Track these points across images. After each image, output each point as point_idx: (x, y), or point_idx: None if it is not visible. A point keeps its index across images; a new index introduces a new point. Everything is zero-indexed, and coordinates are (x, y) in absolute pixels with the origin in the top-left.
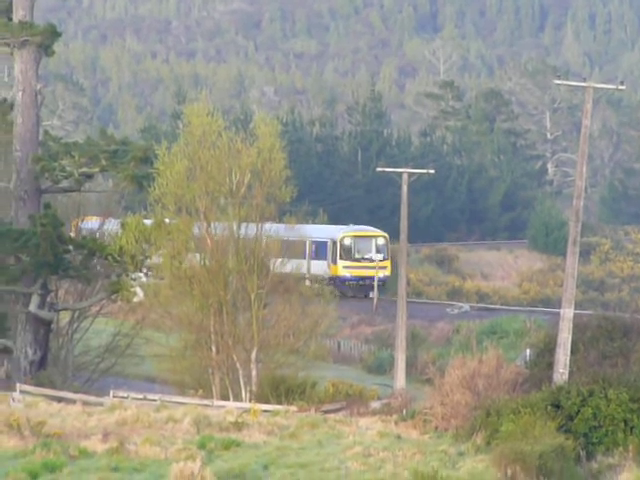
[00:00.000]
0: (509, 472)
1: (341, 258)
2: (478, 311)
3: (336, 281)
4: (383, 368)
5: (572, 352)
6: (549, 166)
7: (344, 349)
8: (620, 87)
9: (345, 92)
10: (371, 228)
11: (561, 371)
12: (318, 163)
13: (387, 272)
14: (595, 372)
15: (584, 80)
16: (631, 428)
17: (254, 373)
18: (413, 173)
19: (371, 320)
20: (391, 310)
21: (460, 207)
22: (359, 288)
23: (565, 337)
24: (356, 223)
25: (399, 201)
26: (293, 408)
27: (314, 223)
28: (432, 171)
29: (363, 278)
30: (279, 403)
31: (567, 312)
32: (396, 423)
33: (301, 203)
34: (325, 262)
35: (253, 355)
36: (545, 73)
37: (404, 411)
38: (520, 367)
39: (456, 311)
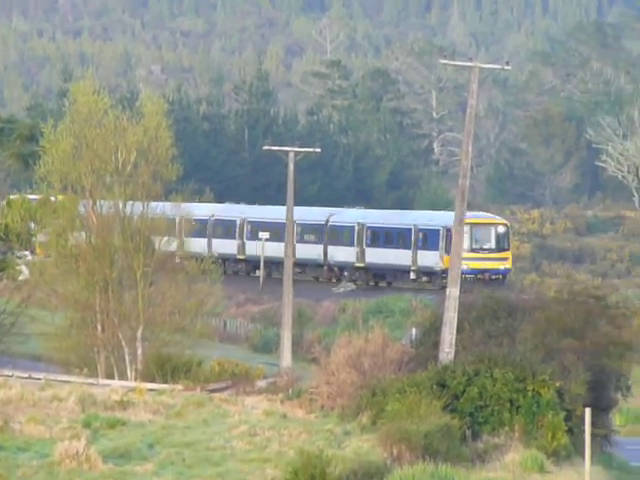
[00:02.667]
0: (395, 451)
1: None
2: (364, 290)
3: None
4: (269, 347)
5: (458, 331)
6: (435, 145)
7: (230, 328)
8: (506, 67)
9: (232, 71)
10: (490, 215)
11: (447, 350)
12: (205, 142)
13: (508, 264)
14: (481, 351)
15: (470, 60)
16: (517, 408)
17: (140, 351)
18: (299, 152)
19: (257, 299)
20: (277, 289)
21: (346, 186)
22: (477, 282)
23: (451, 316)
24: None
25: (286, 179)
26: (179, 387)
27: (200, 202)
28: (318, 150)
29: (482, 271)
30: (165, 382)
31: (453, 291)
32: (282, 402)
33: (187, 182)
34: (436, 253)
35: (139, 333)
36: (431, 53)
37: (290, 390)
38: (406, 346)
39: (342, 290)
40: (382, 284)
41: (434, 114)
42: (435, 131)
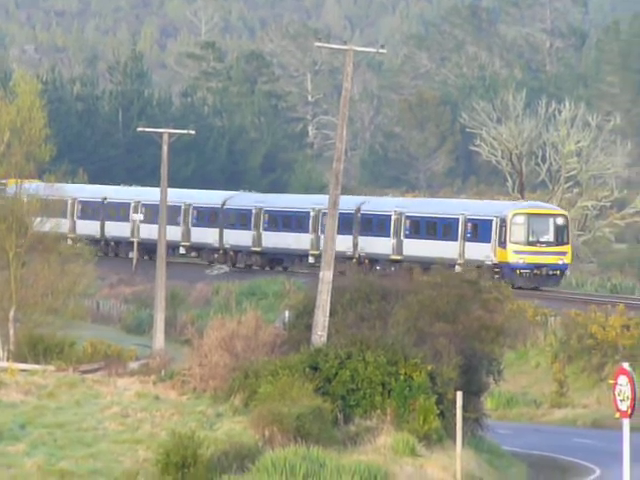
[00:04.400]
0: (267, 433)
1: (512, 241)
2: (238, 272)
3: (504, 269)
4: (142, 328)
5: (331, 314)
6: (310, 128)
7: (103, 309)
8: (381, 50)
9: (106, 51)
10: (548, 205)
11: (319, 333)
12: (78, 122)
13: (567, 259)
14: (353, 335)
15: (345, 43)
16: (389, 391)
17: (12, 332)
18: (173, 133)
19: (130, 280)
20: (150, 270)
21: (220, 168)
22: (532, 278)
23: (324, 299)
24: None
25: (159, 161)
26: (51, 368)
27: (74, 182)
28: (192, 132)
29: (539, 266)
30: (37, 362)
31: (326, 274)
32: (154, 384)
33: (61, 162)
34: (487, 245)
35: (11, 314)
36: (306, 36)
37: (162, 372)
38: (279, 329)
39: (215, 272)
40: None
41: (309, 97)
42: (310, 114)
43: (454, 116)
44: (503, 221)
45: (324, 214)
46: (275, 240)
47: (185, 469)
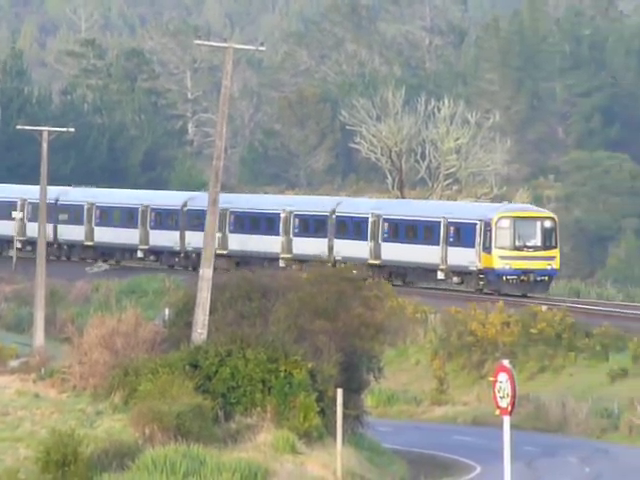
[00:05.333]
0: (147, 431)
1: (497, 245)
2: (118, 270)
3: (489, 275)
4: (22, 326)
5: (211, 312)
6: (190, 126)
7: None
8: (260, 48)
9: None
10: (534, 207)
11: (199, 331)
12: None
13: (556, 265)
14: (234, 332)
15: (224, 41)
16: (269, 388)
17: None
18: (53, 131)
19: (11, 278)
20: (31, 269)
21: (101, 166)
22: (519, 284)
23: (204, 297)
24: None
25: (39, 159)
26: None
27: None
28: (72, 130)
29: (526, 272)
30: None
31: (206, 272)
32: (34, 382)
33: None
34: (471, 250)
35: None
36: (186, 33)
37: (42, 370)
38: (159, 326)
39: (95, 270)
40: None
41: (189, 95)
42: (190, 112)
43: (334, 113)
44: (488, 225)
45: (297, 216)
46: (243, 243)
47: (65, 467)
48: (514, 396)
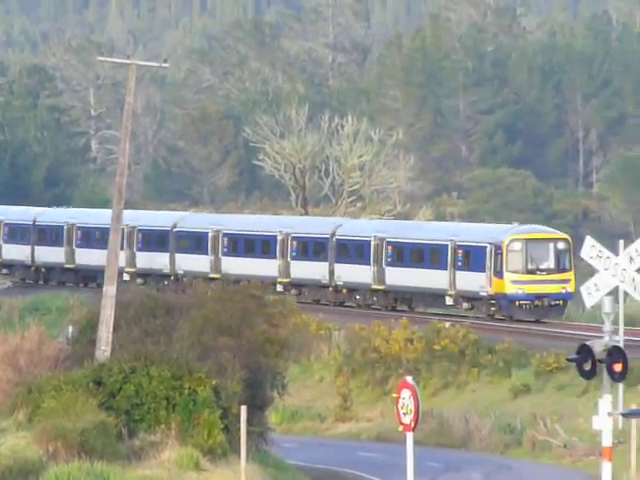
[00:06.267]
0: (50, 449)
1: (509, 269)
2: (21, 287)
3: (501, 300)
4: None
5: (115, 329)
6: (93, 143)
7: None
8: (164, 65)
9: None
10: (547, 228)
11: (103, 348)
12: None
13: (570, 288)
14: (138, 349)
15: (127, 57)
16: (173, 405)
17: None
18: None
19: None
20: None
21: (3, 182)
22: (533, 310)
23: (108, 314)
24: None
25: None
26: None
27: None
28: None
29: (539, 296)
30: None
31: (110, 289)
32: None
33: None
34: (481, 275)
35: None
36: (89, 50)
37: None
38: (62, 344)
39: None
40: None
41: (92, 111)
42: (93, 129)
43: (237, 130)
44: (498, 248)
45: (294, 238)
46: (237, 266)
47: None
48: (417, 412)
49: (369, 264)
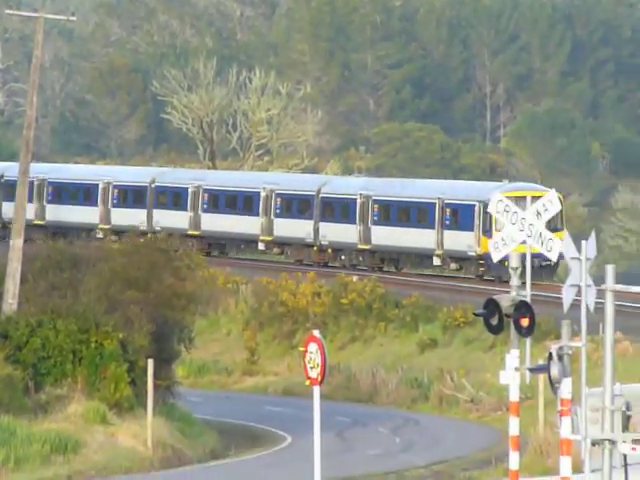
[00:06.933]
0: None
1: (497, 229)
2: None
3: (489, 261)
4: None
5: (22, 282)
6: (0, 96)
7: None
8: (71, 18)
9: None
10: (537, 186)
11: (10, 301)
12: None
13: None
14: (44, 303)
15: (35, 10)
16: (80, 359)
17: None
18: None
19: None
20: None
21: None
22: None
23: (14, 267)
24: None
25: None
26: None
27: None
28: None
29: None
30: None
31: (17, 242)
32: None
33: None
34: (470, 234)
35: None
36: None
37: None
38: None
39: None
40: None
41: (0, 65)
42: (0, 81)
43: (145, 84)
44: (487, 206)
45: (278, 195)
46: (217, 223)
47: None
48: (324, 366)
49: (355, 223)
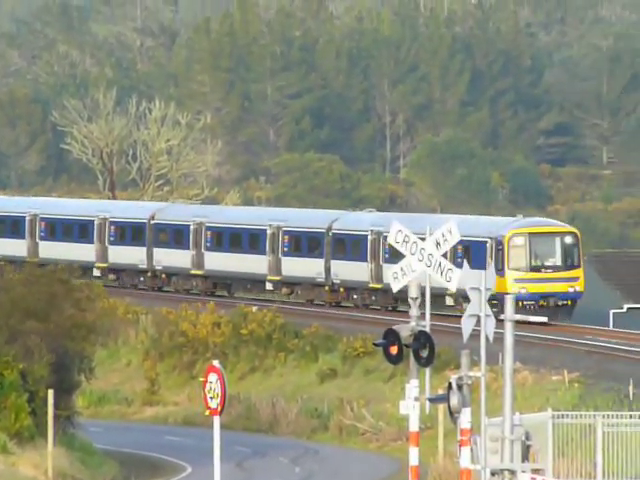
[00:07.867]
0: None
1: (511, 267)
2: None
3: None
4: None
5: None
6: None
7: None
8: None
9: None
10: (553, 221)
11: None
12: None
13: (579, 286)
14: None
15: None
16: None
17: None
18: None
19: None
20: None
21: None
22: (538, 310)
23: None
24: None
25: None
26: None
27: None
28: None
29: (544, 296)
30: None
31: None
32: None
33: None
34: (482, 272)
35: None
36: None
37: None
38: None
39: None
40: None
41: None
42: None
43: (45, 114)
44: (499, 243)
45: (285, 232)
46: (221, 262)
47: None
48: (224, 396)
49: (366, 261)
